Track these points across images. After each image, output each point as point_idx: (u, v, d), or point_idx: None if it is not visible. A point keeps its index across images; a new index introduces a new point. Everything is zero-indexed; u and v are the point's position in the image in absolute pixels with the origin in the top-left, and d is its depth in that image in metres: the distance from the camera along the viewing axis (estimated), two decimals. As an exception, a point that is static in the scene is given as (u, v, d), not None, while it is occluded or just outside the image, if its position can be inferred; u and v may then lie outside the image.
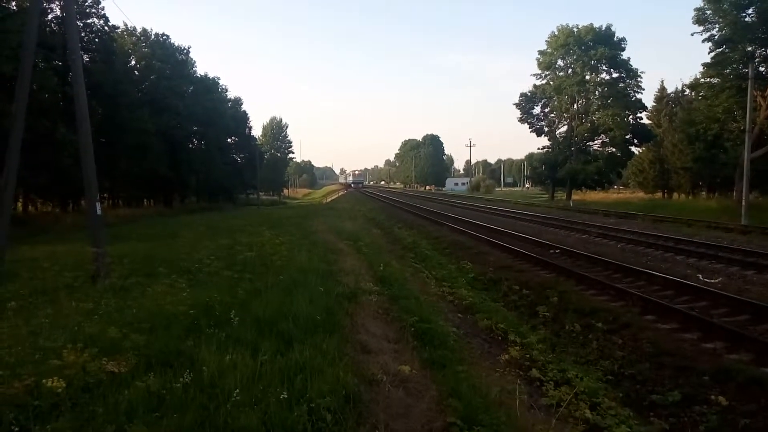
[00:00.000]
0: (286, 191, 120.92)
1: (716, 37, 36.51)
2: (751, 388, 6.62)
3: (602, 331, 9.45)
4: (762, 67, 34.71)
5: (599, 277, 13.05)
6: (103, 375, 4.54)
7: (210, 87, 64.90)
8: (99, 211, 11.73)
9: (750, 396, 6.50)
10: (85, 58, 34.37)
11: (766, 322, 9.14)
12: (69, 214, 35.84)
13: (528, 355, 7.65)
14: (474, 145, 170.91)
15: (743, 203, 28.76)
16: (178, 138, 50.72)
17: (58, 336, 5.68)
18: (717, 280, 12.73)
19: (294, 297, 7.53)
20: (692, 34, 37.99)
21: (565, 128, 61.43)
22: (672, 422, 6.32)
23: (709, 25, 36.91)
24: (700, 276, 13.28)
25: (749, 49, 34.36)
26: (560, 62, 59.87)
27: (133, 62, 50.06)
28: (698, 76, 40.90)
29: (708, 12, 36.58)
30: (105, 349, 5.13)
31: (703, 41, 37.49)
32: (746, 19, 34.21)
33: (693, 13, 37.56)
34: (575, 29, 56.87)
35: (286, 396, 4.13)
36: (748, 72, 30.87)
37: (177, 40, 58.95)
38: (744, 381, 6.77)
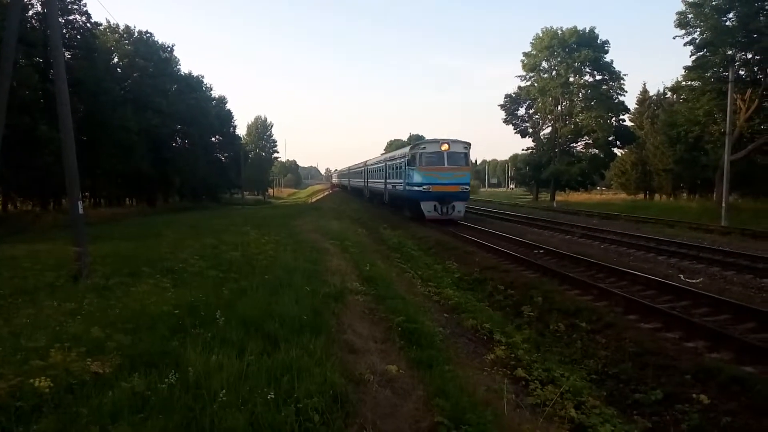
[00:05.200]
0: (270, 191, 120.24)
1: (697, 40, 37.02)
2: (731, 387, 6.72)
3: (586, 330, 9.53)
4: (742, 70, 35.29)
5: (583, 277, 13.16)
6: (86, 376, 4.49)
7: (194, 85, 64.47)
8: (81, 210, 11.59)
9: (731, 394, 6.60)
10: (67, 55, 33.90)
11: (746, 322, 9.30)
12: (49, 213, 35.34)
13: (513, 355, 7.71)
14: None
15: (723, 205, 29.21)
16: (161, 136, 50.29)
17: (40, 336, 5.59)
18: (698, 281, 12.91)
19: (280, 297, 7.49)
20: (674, 38, 38.52)
21: (549, 130, 61.95)
22: (655, 420, 6.40)
23: (691, 29, 37.41)
24: (682, 276, 13.46)
25: (730, 52, 34.88)
26: (544, 64, 60.34)
27: (115, 60, 49.51)
28: (680, 79, 41.55)
29: (690, 16, 37.07)
30: (88, 350, 5.07)
31: (685, 45, 38.04)
32: (727, 24, 34.73)
33: (675, 17, 38.13)
34: (559, 31, 57.36)
35: (273, 396, 4.12)
36: (728, 75, 31.38)
37: (161, 38, 58.59)
38: (725, 380, 6.87)
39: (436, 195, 27.28)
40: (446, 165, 27.19)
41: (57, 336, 5.58)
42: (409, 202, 30.66)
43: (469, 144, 28.37)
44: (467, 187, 28.50)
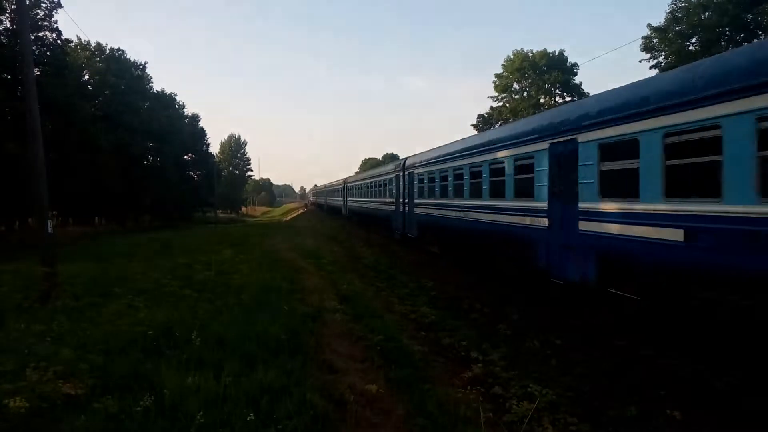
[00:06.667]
0: (244, 209, 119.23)
1: (662, 64, 38.40)
2: (705, 402, 6.84)
3: (561, 347, 9.61)
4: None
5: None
6: (58, 398, 4.36)
7: (167, 103, 63.96)
8: (50, 230, 11.33)
9: (704, 410, 6.71)
10: (36, 71, 33.34)
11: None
12: (15, 232, 34.42)
13: (490, 372, 7.72)
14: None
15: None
16: (132, 154, 49.61)
17: (8, 359, 5.43)
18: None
19: (257, 317, 7.42)
20: (640, 61, 39.97)
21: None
22: (630, 437, 6.44)
23: (656, 53, 38.88)
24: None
25: (693, 76, 36.16)
26: (516, 85, 61.63)
27: (86, 77, 48.87)
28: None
29: (655, 40, 38.47)
30: (59, 372, 4.94)
31: (650, 68, 39.46)
32: (690, 48, 36.09)
33: (641, 41, 39.50)
34: (530, 54, 58.72)
35: (252, 418, 4.06)
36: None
37: (133, 55, 58.21)
38: (699, 395, 6.99)
39: None
40: None
41: (26, 359, 5.43)
42: None
43: None
44: None
